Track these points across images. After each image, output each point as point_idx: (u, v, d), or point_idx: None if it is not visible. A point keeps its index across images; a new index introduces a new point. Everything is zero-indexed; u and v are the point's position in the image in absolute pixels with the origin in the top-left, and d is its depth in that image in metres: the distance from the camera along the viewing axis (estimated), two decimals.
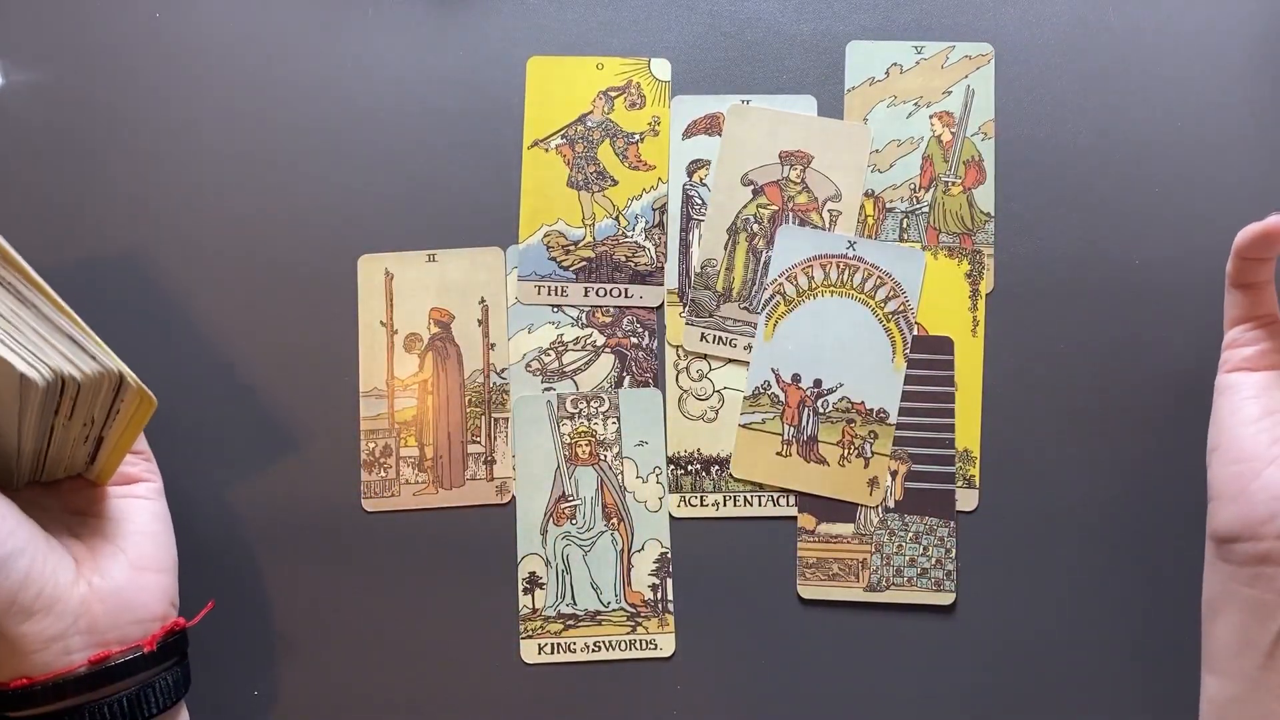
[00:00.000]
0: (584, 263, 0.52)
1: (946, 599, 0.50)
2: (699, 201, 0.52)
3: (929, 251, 0.51)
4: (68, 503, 0.43)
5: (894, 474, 0.50)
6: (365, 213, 0.52)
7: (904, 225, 0.51)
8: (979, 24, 0.52)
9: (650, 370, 0.51)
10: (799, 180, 0.52)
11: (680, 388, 0.51)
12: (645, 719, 0.50)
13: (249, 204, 0.52)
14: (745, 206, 0.52)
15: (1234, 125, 0.51)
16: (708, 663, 0.50)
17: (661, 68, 0.52)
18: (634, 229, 0.52)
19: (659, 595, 0.50)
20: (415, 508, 0.51)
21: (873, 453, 0.50)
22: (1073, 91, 0.52)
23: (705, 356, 0.51)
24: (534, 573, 0.50)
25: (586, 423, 0.51)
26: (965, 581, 0.50)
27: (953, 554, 0.50)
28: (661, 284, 0.52)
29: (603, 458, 0.51)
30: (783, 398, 0.51)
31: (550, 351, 0.52)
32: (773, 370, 0.51)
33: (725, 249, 0.52)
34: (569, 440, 0.51)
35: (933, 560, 0.50)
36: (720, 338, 0.51)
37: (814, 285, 0.51)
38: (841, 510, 0.50)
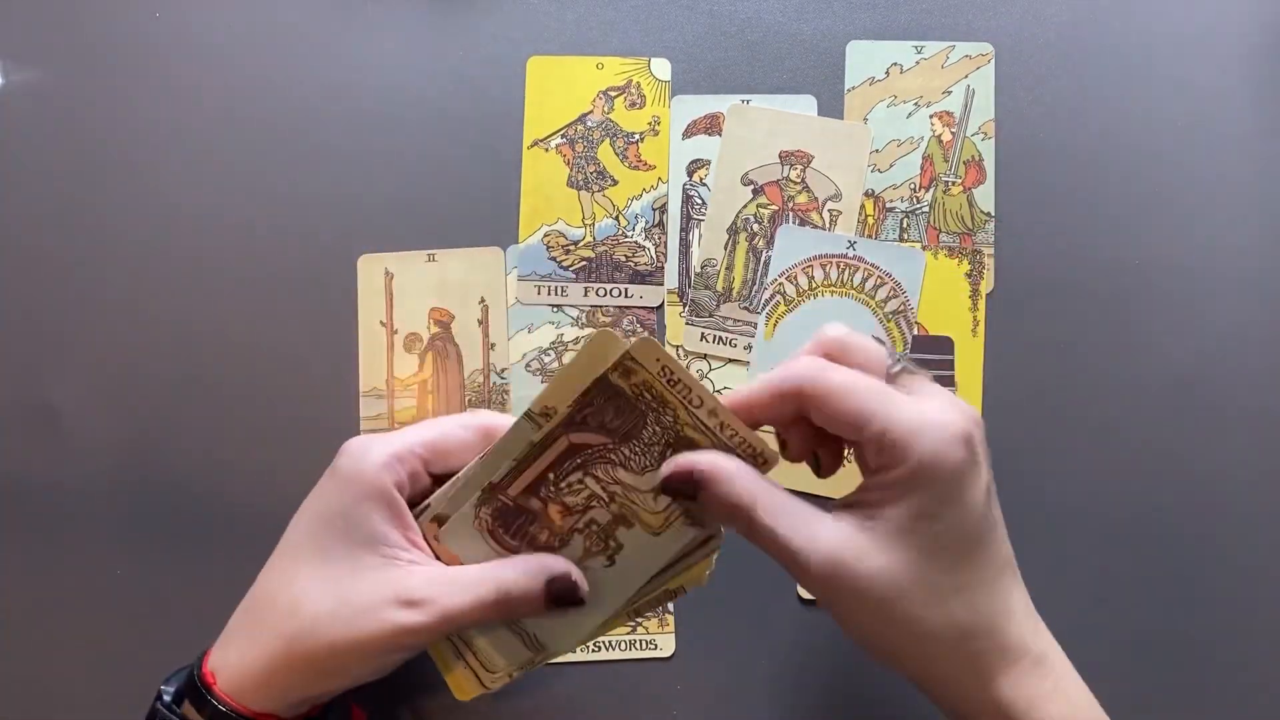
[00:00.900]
0: (584, 263, 0.52)
1: None
2: (699, 201, 0.52)
3: (929, 251, 0.51)
4: None
5: None
6: (365, 213, 0.52)
7: (904, 225, 0.51)
8: (979, 24, 0.52)
9: None
10: (799, 180, 0.52)
11: None
12: (645, 719, 0.50)
13: (249, 204, 0.52)
14: (745, 206, 0.52)
15: (1234, 125, 0.51)
16: (708, 663, 0.50)
17: (661, 68, 0.52)
18: (634, 229, 0.52)
19: None
20: None
21: None
22: (1073, 91, 0.52)
23: (705, 356, 0.51)
24: None
25: None
26: None
27: None
28: (661, 284, 0.52)
29: None
30: None
31: (550, 351, 0.52)
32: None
33: (725, 249, 0.52)
34: None
35: None
36: (720, 338, 0.51)
37: (814, 285, 0.51)
38: None
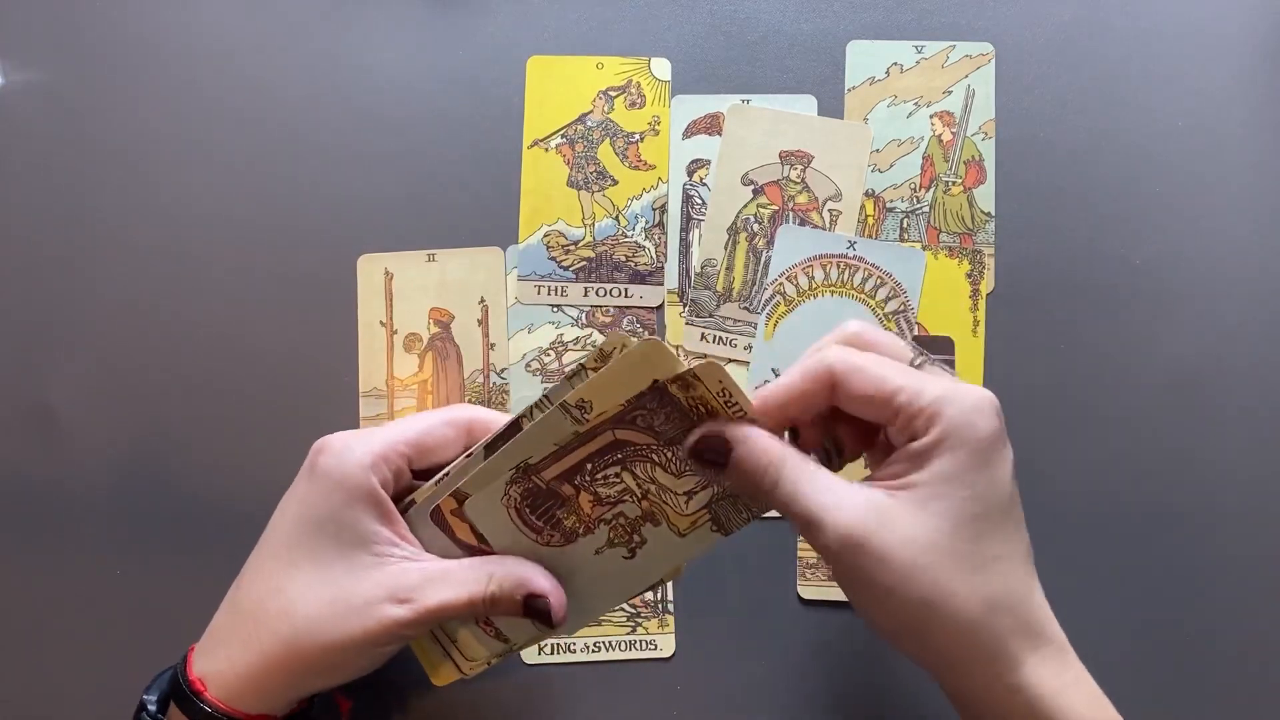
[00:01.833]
0: (584, 263, 0.52)
1: None
2: (699, 201, 0.52)
3: (929, 251, 0.51)
4: None
5: None
6: (365, 213, 0.52)
7: (904, 225, 0.51)
8: (979, 24, 0.52)
9: None
10: (799, 180, 0.52)
11: None
12: (645, 719, 0.50)
13: (249, 204, 0.52)
14: (745, 206, 0.52)
15: (1234, 125, 0.51)
16: (708, 663, 0.50)
17: (661, 67, 0.52)
18: (634, 229, 0.52)
19: (659, 595, 0.50)
20: None
21: None
22: (1073, 91, 0.52)
23: (705, 357, 0.51)
24: None
25: None
26: None
27: None
28: (661, 284, 0.52)
29: None
30: None
31: (550, 351, 0.52)
32: (773, 370, 0.51)
33: (725, 249, 0.52)
34: None
35: None
36: (720, 338, 0.51)
37: (814, 285, 0.51)
38: None
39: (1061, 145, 0.51)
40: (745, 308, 0.51)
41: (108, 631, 0.50)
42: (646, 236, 0.52)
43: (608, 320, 0.52)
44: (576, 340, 0.51)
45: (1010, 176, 0.52)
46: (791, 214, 0.51)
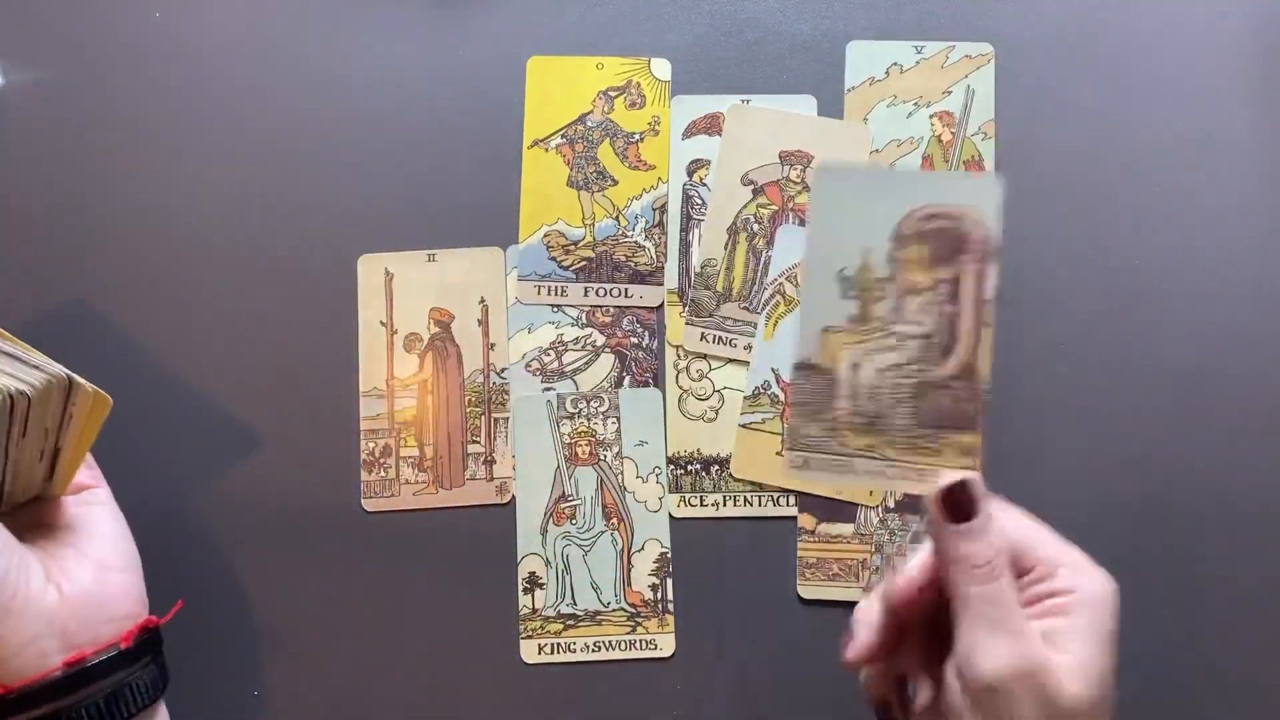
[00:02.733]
0: (584, 263, 0.52)
1: None
2: (699, 201, 0.52)
3: None
4: (25, 520, 0.43)
5: None
6: (365, 213, 0.52)
7: None
8: (979, 24, 0.52)
9: (650, 370, 0.51)
10: (799, 180, 0.52)
11: (680, 388, 0.51)
12: (645, 719, 0.50)
13: (249, 204, 0.52)
14: (745, 206, 0.52)
15: (1234, 125, 0.51)
16: (708, 663, 0.50)
17: (661, 68, 0.52)
18: (634, 229, 0.52)
19: (659, 595, 0.50)
20: (415, 508, 0.51)
21: None
22: (1073, 91, 0.52)
23: (705, 356, 0.51)
24: (534, 573, 0.50)
25: (586, 423, 0.51)
26: None
27: None
28: (661, 284, 0.52)
29: (602, 458, 0.51)
30: (783, 398, 0.50)
31: (550, 351, 0.52)
32: (773, 370, 0.51)
33: (725, 249, 0.52)
34: (569, 440, 0.51)
35: None
36: (720, 338, 0.51)
37: None
38: (841, 510, 0.50)
39: (1061, 145, 0.51)
40: (745, 308, 0.51)
41: None
42: (646, 236, 0.52)
43: (608, 320, 0.52)
44: (577, 340, 0.52)
45: (1010, 176, 0.51)
46: (791, 214, 0.51)
